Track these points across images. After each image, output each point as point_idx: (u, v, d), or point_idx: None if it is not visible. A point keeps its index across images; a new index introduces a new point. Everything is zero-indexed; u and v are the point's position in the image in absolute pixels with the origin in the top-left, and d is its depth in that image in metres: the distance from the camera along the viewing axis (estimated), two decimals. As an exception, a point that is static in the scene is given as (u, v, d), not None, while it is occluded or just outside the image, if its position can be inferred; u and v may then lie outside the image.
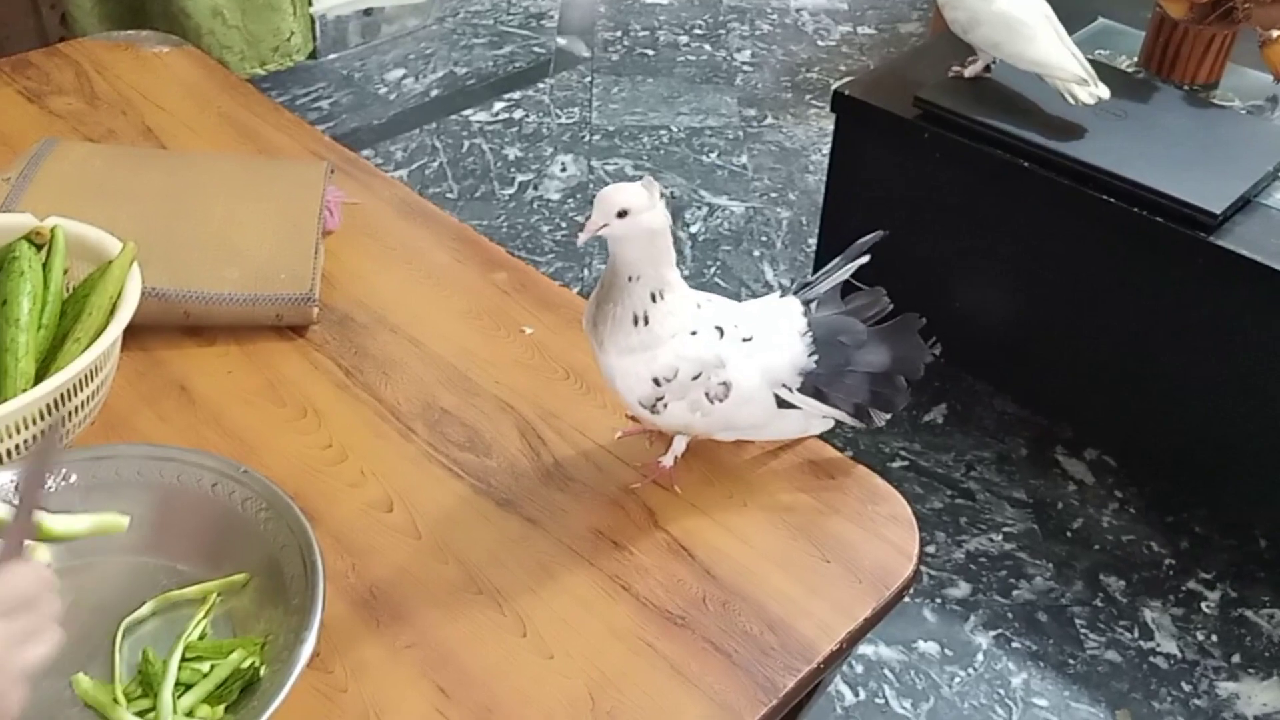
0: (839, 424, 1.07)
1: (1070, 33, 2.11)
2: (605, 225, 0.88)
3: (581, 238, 0.90)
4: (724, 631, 0.93)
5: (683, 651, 0.91)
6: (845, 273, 1.03)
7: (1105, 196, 1.70)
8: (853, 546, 1.01)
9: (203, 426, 1.11)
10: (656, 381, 0.95)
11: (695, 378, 0.96)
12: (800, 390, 1.01)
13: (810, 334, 1.00)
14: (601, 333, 0.95)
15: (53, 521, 0.74)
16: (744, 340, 0.98)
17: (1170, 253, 1.69)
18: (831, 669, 0.96)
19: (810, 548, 1.01)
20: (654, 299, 0.93)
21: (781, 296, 1.03)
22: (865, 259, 1.03)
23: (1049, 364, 1.95)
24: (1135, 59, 2.12)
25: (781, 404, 1.01)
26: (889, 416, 1.04)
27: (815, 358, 1.00)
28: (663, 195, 0.89)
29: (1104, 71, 1.97)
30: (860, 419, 1.04)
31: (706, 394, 0.97)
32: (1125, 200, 1.68)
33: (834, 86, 1.98)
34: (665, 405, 0.97)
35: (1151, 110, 1.87)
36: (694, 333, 0.96)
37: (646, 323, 0.93)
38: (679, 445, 1.06)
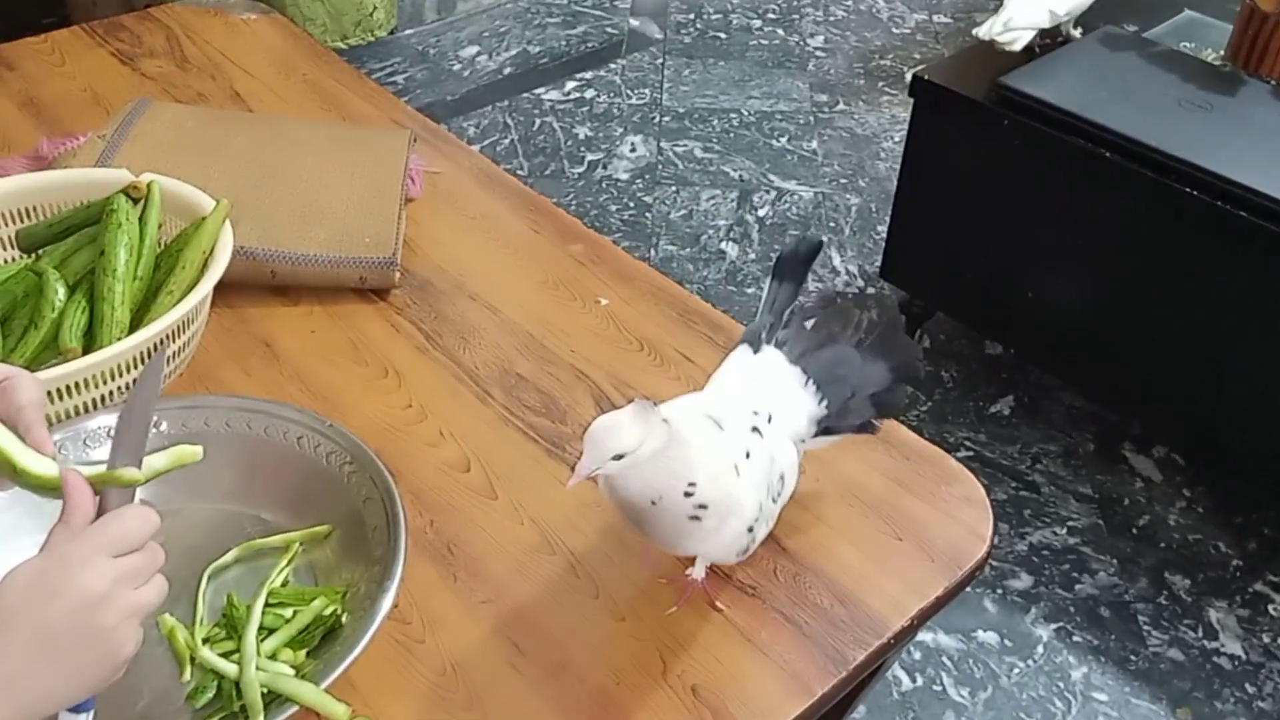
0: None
1: (1155, 25, 2.08)
2: (598, 468, 0.78)
3: (571, 482, 0.78)
4: (794, 603, 0.94)
5: (753, 620, 0.92)
6: (794, 294, 0.95)
7: (1188, 189, 1.67)
8: (925, 526, 1.01)
9: (287, 383, 1.13)
10: (751, 529, 0.86)
11: (766, 495, 0.87)
12: (814, 437, 0.94)
13: (811, 381, 0.92)
14: (664, 540, 0.85)
15: (128, 472, 0.75)
16: (769, 422, 0.89)
17: (1252, 248, 1.66)
18: (897, 648, 0.96)
19: (883, 525, 1.01)
20: (688, 495, 0.80)
21: (753, 352, 0.93)
22: (806, 279, 0.94)
23: (1120, 359, 1.92)
24: (1222, 52, 2.08)
25: None
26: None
27: (825, 403, 0.92)
28: (657, 406, 0.78)
29: (1190, 65, 1.94)
30: (864, 432, 0.96)
31: (771, 497, 0.88)
32: (1208, 194, 1.65)
33: (912, 71, 1.96)
34: (755, 539, 0.88)
35: (1238, 104, 1.84)
36: (749, 454, 0.85)
37: (705, 507, 0.81)
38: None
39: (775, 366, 0.93)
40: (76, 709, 0.65)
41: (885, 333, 0.96)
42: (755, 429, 0.87)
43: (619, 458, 0.76)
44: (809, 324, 0.96)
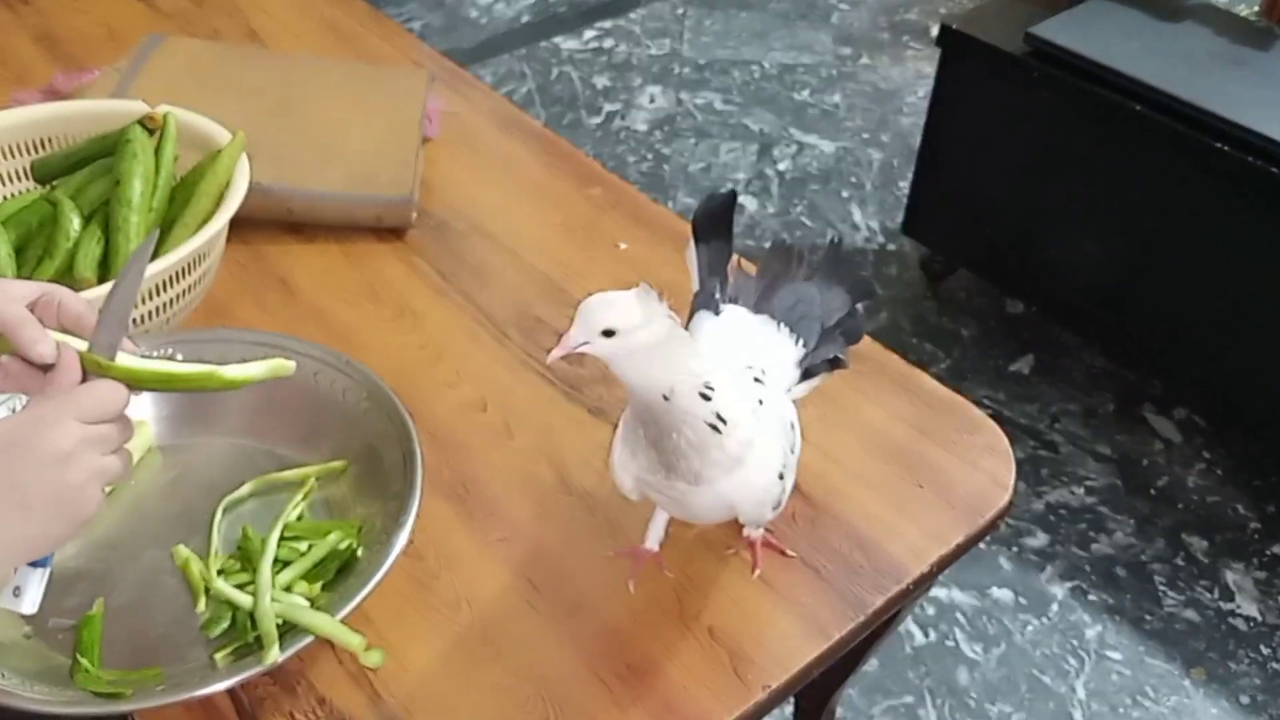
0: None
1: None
2: (585, 343, 0.72)
3: (552, 355, 0.73)
4: (813, 548, 0.93)
5: (771, 564, 0.91)
6: (726, 252, 0.90)
7: (1219, 144, 1.64)
8: (946, 473, 1.00)
9: (303, 320, 1.12)
10: (781, 475, 0.82)
11: (789, 448, 0.83)
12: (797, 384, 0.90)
13: (782, 324, 0.88)
14: (690, 469, 0.78)
15: (229, 370, 0.76)
16: (762, 374, 0.84)
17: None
18: (915, 595, 0.96)
19: (903, 472, 1.00)
20: (709, 396, 0.75)
21: (697, 314, 0.89)
22: (731, 232, 0.89)
23: (1143, 318, 1.90)
24: (1256, 8, 2.03)
25: None
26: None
27: (802, 342, 0.88)
28: (665, 301, 0.73)
29: (1223, 19, 1.90)
30: (838, 367, 0.91)
31: (791, 450, 0.84)
32: (1239, 149, 1.62)
33: (941, 22, 1.93)
34: (785, 492, 0.83)
35: (1272, 60, 1.80)
36: (761, 401, 0.81)
37: (725, 421, 0.76)
38: (659, 523, 0.91)
39: (743, 321, 0.88)
40: (35, 563, 0.69)
41: (829, 257, 0.93)
42: (758, 380, 0.84)
43: (609, 334, 0.71)
44: (751, 273, 0.93)
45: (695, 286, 0.91)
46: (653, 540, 0.91)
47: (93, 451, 0.67)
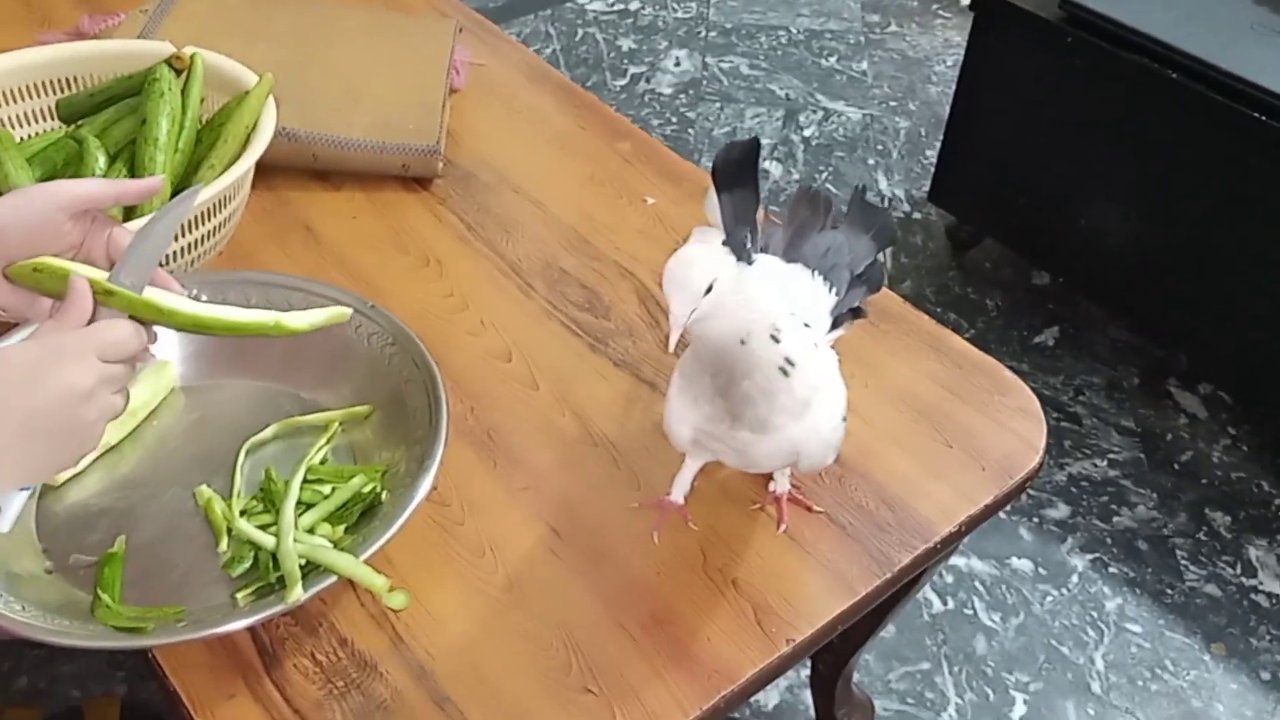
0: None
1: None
2: (694, 310, 0.69)
3: (672, 342, 0.69)
4: (840, 505, 0.92)
5: (797, 519, 0.90)
6: (752, 201, 0.83)
7: (1256, 114, 1.61)
8: (977, 434, 0.98)
9: (327, 267, 1.11)
10: (845, 418, 0.81)
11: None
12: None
13: (816, 273, 0.86)
14: (758, 416, 0.76)
15: (291, 319, 0.76)
16: (805, 326, 0.82)
17: (1320, 179, 1.60)
18: (941, 555, 0.94)
19: (932, 432, 0.98)
20: (776, 339, 0.74)
21: (752, 261, 0.83)
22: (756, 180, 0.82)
23: (1171, 292, 1.87)
24: (1298, -23, 2.00)
25: None
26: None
27: (834, 291, 0.86)
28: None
29: (1265, -15, 1.86)
30: (858, 317, 0.90)
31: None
32: (1274, 117, 1.59)
33: (972, -14, 1.89)
34: (843, 433, 0.83)
35: (1313, 29, 1.76)
36: (816, 344, 0.80)
37: (793, 364, 0.75)
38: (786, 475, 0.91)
39: (777, 271, 0.86)
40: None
41: (856, 205, 0.91)
42: (806, 325, 0.83)
43: (709, 290, 0.69)
44: (777, 221, 0.91)
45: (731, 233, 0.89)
46: (678, 492, 0.90)
47: (107, 390, 0.67)
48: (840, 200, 1.09)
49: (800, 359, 0.76)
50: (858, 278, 0.88)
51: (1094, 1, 1.75)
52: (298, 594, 0.74)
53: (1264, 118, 1.60)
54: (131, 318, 0.71)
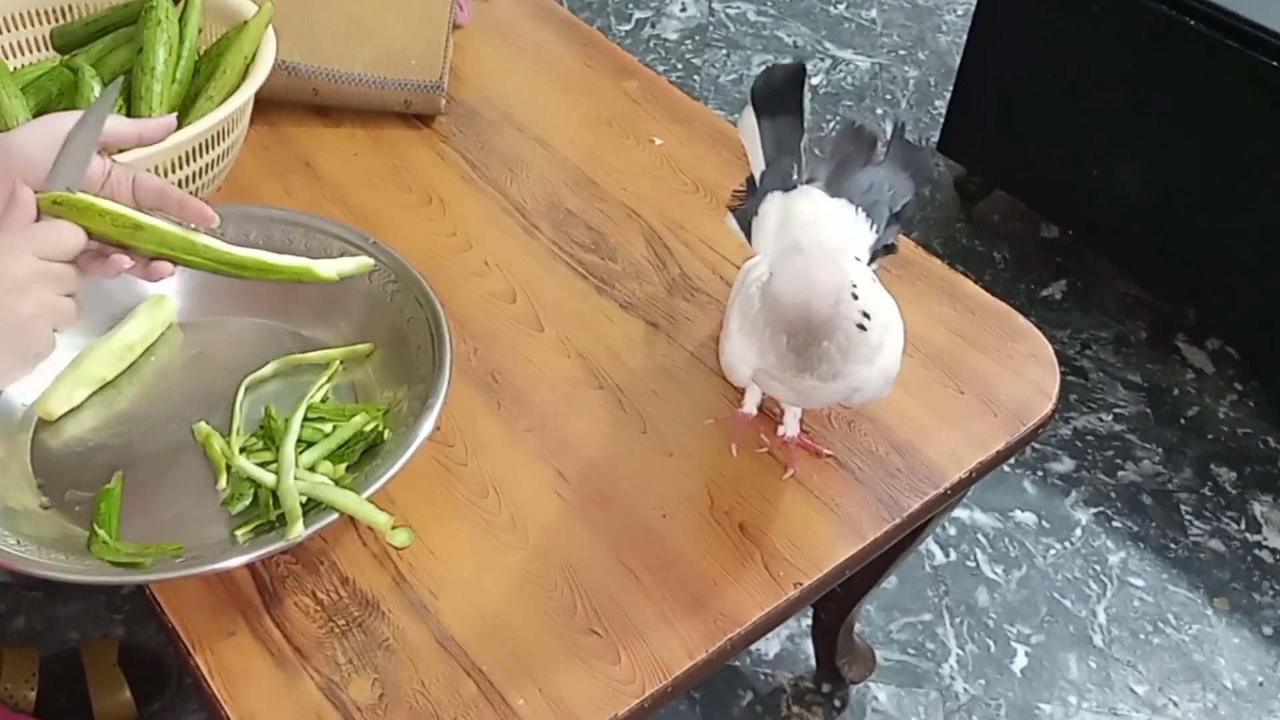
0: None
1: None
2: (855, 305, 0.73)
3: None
4: (849, 449, 0.90)
5: (805, 464, 0.89)
6: (797, 127, 0.86)
7: (1273, 61, 1.58)
8: (989, 380, 0.97)
9: (327, 203, 1.09)
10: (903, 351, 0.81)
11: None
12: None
13: (860, 209, 0.84)
14: (832, 369, 0.75)
15: (321, 267, 0.77)
16: (855, 259, 0.82)
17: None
18: (949, 502, 0.93)
19: (944, 378, 0.97)
20: (855, 295, 0.73)
21: (768, 194, 0.86)
22: (803, 106, 0.85)
23: (1181, 247, 1.85)
24: (1320, -75, 1.95)
25: None
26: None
27: (875, 227, 0.85)
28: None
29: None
30: (890, 253, 0.89)
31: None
32: (1297, 69, 1.56)
33: (988, -71, 1.85)
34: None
35: (1336, -23, 1.72)
36: (873, 280, 0.80)
37: (870, 317, 0.74)
38: (797, 409, 0.90)
39: (820, 203, 0.84)
40: None
41: (898, 142, 0.89)
42: (857, 259, 0.81)
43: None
44: (819, 152, 0.88)
45: (755, 164, 0.87)
46: (750, 405, 0.89)
47: (45, 287, 0.66)
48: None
49: (874, 308, 0.74)
50: (894, 215, 0.86)
51: (1112, -54, 1.71)
52: (299, 530, 0.73)
53: (1283, 67, 1.57)
54: (157, 256, 0.70)
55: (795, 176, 0.85)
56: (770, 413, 0.92)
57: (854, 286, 0.72)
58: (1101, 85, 1.84)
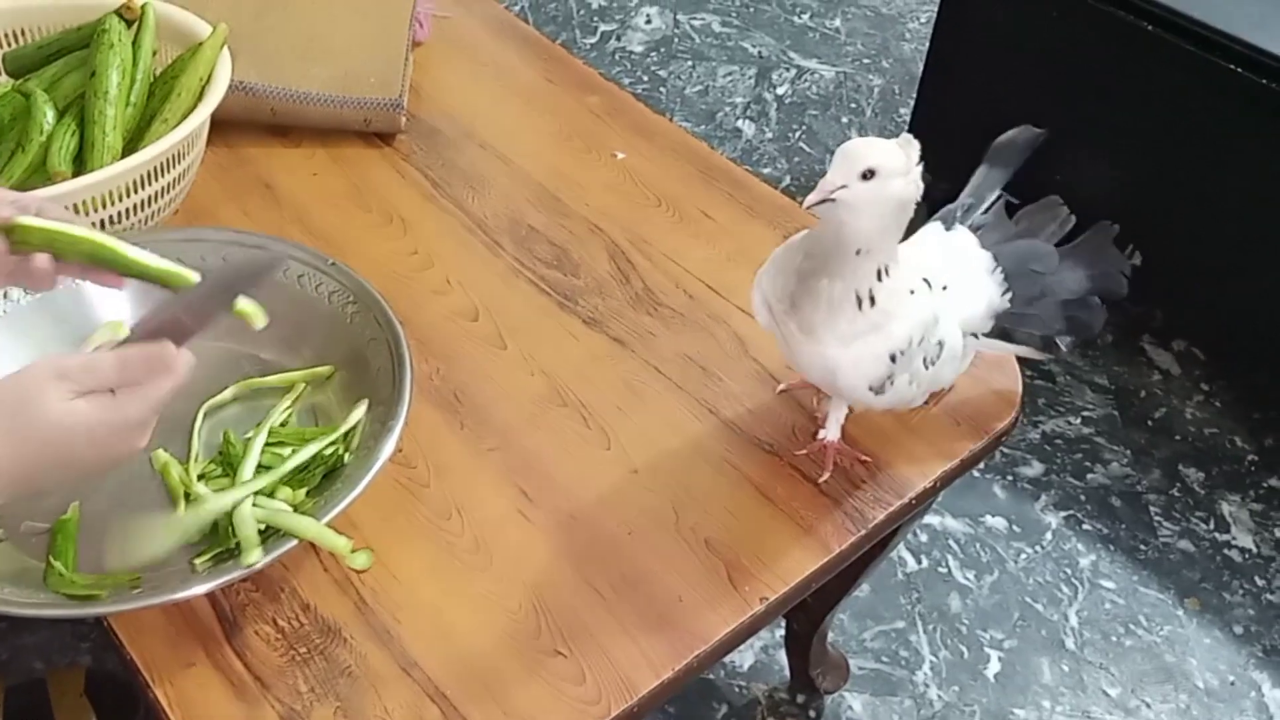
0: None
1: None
2: (843, 187, 0.70)
3: (810, 199, 0.71)
4: (813, 461, 0.90)
5: (769, 476, 0.89)
6: (999, 184, 0.89)
7: (1231, 65, 1.59)
8: (953, 389, 0.97)
9: (286, 224, 1.08)
10: (893, 358, 0.79)
11: (920, 343, 0.81)
12: (989, 335, 0.88)
13: (999, 269, 0.85)
14: (809, 317, 0.77)
15: (129, 249, 0.73)
16: (943, 289, 0.83)
17: (1294, 132, 1.59)
18: (917, 510, 0.93)
19: (907, 387, 0.97)
20: (881, 276, 0.75)
21: (947, 230, 0.88)
22: (1015, 164, 0.89)
23: (1146, 248, 1.85)
24: (1273, -71, 1.98)
25: None
26: (1078, 343, 0.89)
27: (1009, 295, 0.85)
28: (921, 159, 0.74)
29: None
30: (1048, 350, 0.89)
31: (925, 359, 0.82)
32: (1252, 70, 1.58)
33: (947, -62, 1.87)
34: (893, 384, 0.81)
35: (1290, -19, 1.74)
36: (912, 291, 0.80)
37: (873, 303, 0.76)
38: (841, 413, 0.89)
39: (964, 245, 0.87)
40: None
41: (1094, 241, 0.88)
42: (927, 281, 0.82)
43: (869, 176, 0.70)
44: (1012, 217, 0.90)
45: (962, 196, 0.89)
46: (833, 430, 0.89)
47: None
48: (815, 159, 1.06)
49: (885, 304, 0.77)
50: (1060, 306, 0.86)
51: (1069, -47, 1.72)
52: (255, 558, 0.72)
53: (1241, 69, 1.59)
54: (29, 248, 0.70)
55: (958, 214, 0.88)
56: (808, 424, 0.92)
57: (886, 270, 0.75)
58: (1063, 90, 1.86)
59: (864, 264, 0.75)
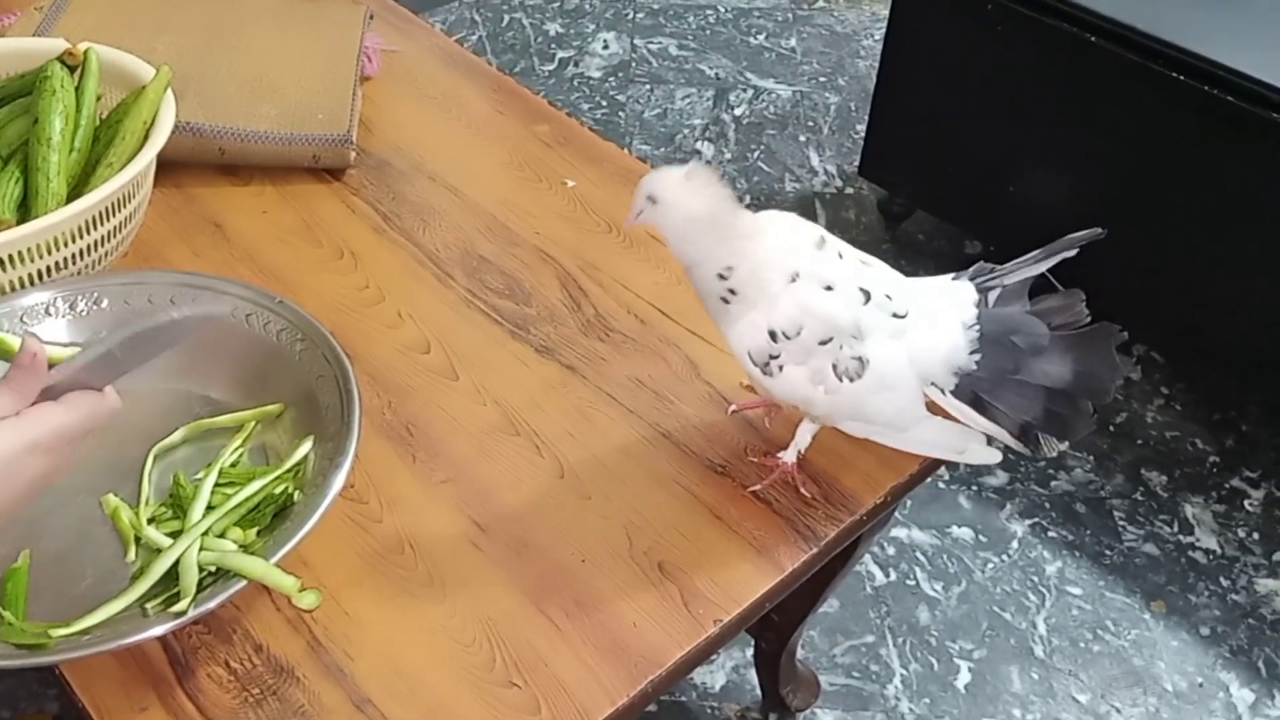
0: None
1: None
2: (640, 212, 0.82)
3: (626, 225, 0.84)
4: (764, 480, 0.91)
5: (722, 498, 0.89)
6: (1042, 265, 0.86)
7: (1177, 74, 1.62)
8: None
9: (237, 263, 1.08)
10: (774, 335, 0.81)
11: (823, 342, 0.81)
12: (955, 394, 0.86)
13: (977, 327, 0.84)
14: (715, 318, 0.85)
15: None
16: (895, 315, 0.83)
17: (1241, 136, 1.61)
18: (871, 526, 0.94)
19: (857, 404, 0.98)
20: (722, 277, 0.81)
21: (955, 279, 0.87)
22: (1071, 253, 0.86)
23: (1102, 255, 1.88)
24: (1212, -61, 2.01)
25: (932, 408, 0.88)
26: (1063, 446, 0.86)
27: (977, 356, 0.84)
28: (724, 177, 0.80)
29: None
30: (1026, 443, 0.87)
31: (835, 366, 0.82)
32: (1200, 80, 1.60)
33: (893, -43, 1.89)
34: (780, 368, 0.83)
35: (1229, -10, 1.78)
36: (830, 288, 0.81)
37: (735, 295, 0.82)
38: (803, 437, 0.90)
39: (953, 295, 0.85)
40: None
41: (1092, 336, 0.85)
42: (865, 291, 0.82)
43: (654, 202, 0.80)
44: (1036, 299, 0.87)
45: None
46: (792, 453, 0.91)
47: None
48: (774, 178, 1.07)
49: (744, 292, 0.81)
50: (1042, 395, 0.85)
51: (1012, -31, 1.75)
52: (186, 605, 0.71)
53: (1186, 79, 1.62)
54: None
55: (972, 270, 0.87)
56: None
57: (727, 270, 0.80)
58: (1013, 103, 1.88)
59: (698, 271, 0.82)
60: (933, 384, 0.86)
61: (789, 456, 0.90)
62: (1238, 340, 1.79)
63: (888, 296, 0.83)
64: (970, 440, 0.89)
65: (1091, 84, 1.75)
